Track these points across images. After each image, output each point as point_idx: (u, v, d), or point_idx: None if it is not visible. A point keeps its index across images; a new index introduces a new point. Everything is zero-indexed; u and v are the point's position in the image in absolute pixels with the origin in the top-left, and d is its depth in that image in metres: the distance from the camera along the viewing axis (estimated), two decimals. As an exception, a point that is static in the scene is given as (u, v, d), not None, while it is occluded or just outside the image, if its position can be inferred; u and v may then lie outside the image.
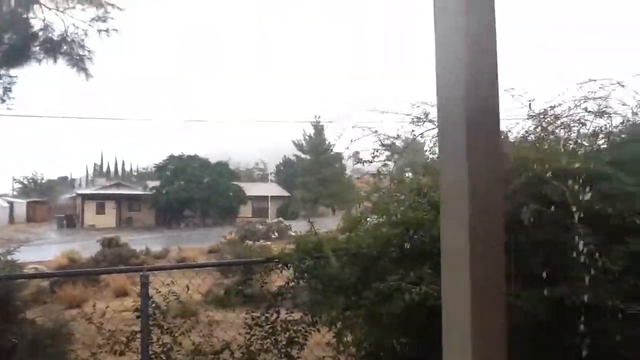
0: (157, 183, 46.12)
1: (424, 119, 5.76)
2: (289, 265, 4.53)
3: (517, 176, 4.48)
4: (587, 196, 4.44)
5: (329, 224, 6.55)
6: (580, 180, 4.51)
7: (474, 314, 1.36)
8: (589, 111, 5.82)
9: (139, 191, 48.53)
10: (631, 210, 4.51)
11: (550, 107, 6.00)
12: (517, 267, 4.27)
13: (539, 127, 5.90)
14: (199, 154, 47.34)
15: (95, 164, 78.25)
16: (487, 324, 1.38)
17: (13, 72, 7.64)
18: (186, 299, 5.36)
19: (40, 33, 6.85)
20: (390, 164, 6.27)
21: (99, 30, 7.44)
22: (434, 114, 5.63)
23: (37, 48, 6.91)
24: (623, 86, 5.55)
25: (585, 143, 5.42)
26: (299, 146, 56.94)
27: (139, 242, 26.24)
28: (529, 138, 5.72)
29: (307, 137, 55.86)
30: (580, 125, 5.89)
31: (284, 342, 4.46)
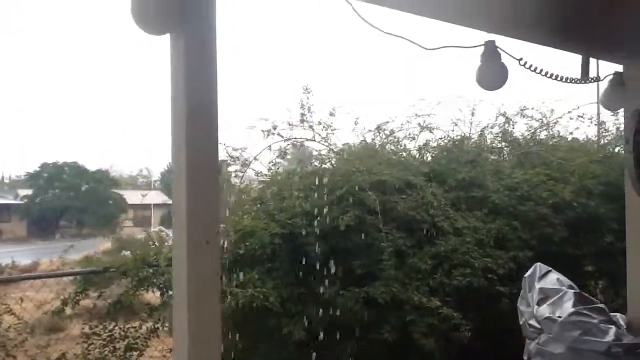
0: (29, 192, 43.42)
1: (273, 132, 6.05)
2: (126, 274, 4.67)
3: (341, 186, 4.93)
4: (401, 205, 4.98)
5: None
6: (396, 190, 5.04)
7: (190, 304, 1.65)
8: (420, 125, 6.46)
9: (8, 200, 45.40)
10: (442, 215, 5.10)
11: (385, 122, 6.59)
12: (342, 268, 4.73)
13: (373, 141, 6.45)
14: (77, 161, 45.19)
15: (-40, 172, 72.10)
16: (203, 314, 1.68)
17: None
18: (31, 313, 5.33)
19: None
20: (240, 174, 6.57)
21: None
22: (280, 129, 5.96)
23: None
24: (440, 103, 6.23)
25: (409, 155, 5.99)
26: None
27: (7, 255, 24.66)
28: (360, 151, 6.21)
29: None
30: (411, 139, 6.50)
31: (122, 350, 4.59)
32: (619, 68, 3.22)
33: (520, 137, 6.63)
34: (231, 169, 5.94)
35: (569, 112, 6.51)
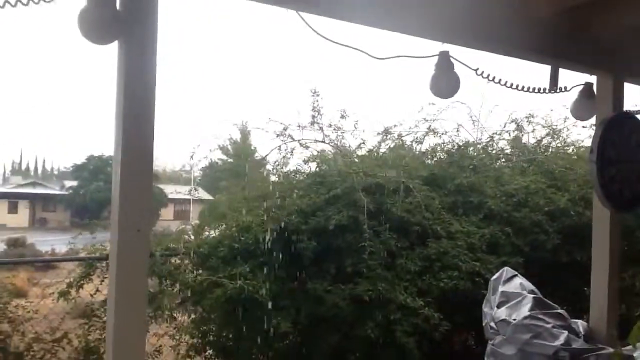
0: (74, 183, 44.87)
1: (283, 133, 6.23)
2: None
3: (337, 187, 5.08)
4: (397, 206, 5.09)
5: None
6: (391, 192, 5.15)
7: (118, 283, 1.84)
8: (428, 129, 6.54)
9: (55, 191, 47.06)
10: (436, 218, 5.19)
11: (394, 125, 6.70)
12: (333, 266, 4.88)
13: (382, 144, 6.56)
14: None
15: (13, 162, 75.18)
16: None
17: None
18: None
19: None
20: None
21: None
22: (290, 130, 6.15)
23: None
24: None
25: (411, 159, 6.08)
26: (224, 150, 56.79)
27: (50, 243, 25.63)
28: (370, 153, 6.34)
29: (232, 141, 55.81)
30: (418, 143, 6.59)
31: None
32: (589, 78, 3.27)
33: (528, 144, 6.64)
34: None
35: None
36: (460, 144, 6.24)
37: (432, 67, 2.72)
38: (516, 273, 3.37)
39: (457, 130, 6.20)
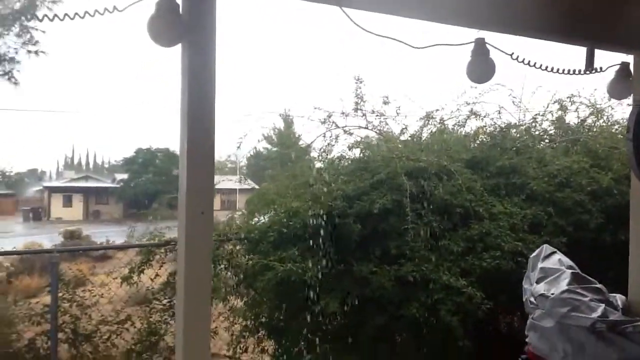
0: (125, 176, 46.21)
1: (327, 120, 6.41)
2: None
3: (380, 172, 5.25)
4: (439, 189, 5.22)
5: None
6: (434, 176, 5.27)
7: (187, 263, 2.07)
8: (471, 112, 6.61)
9: (107, 184, 48.61)
10: (479, 200, 5.30)
11: (435, 110, 6.79)
12: (378, 248, 5.06)
13: (423, 128, 6.67)
14: (169, 147, 47.60)
15: (66, 157, 77.94)
16: (196, 272, 2.09)
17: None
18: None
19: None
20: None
21: (28, 51, 8.63)
22: (334, 118, 6.33)
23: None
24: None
25: (454, 142, 6.17)
26: (268, 139, 57.45)
27: (104, 234, 26.60)
28: (413, 138, 6.47)
29: (276, 130, 56.37)
30: (460, 127, 6.68)
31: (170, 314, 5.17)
32: (626, 58, 3.32)
33: (572, 124, 6.63)
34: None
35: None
36: (502, 126, 6.29)
37: (468, 53, 2.85)
38: (555, 250, 3.48)
39: (499, 113, 6.26)
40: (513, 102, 6.56)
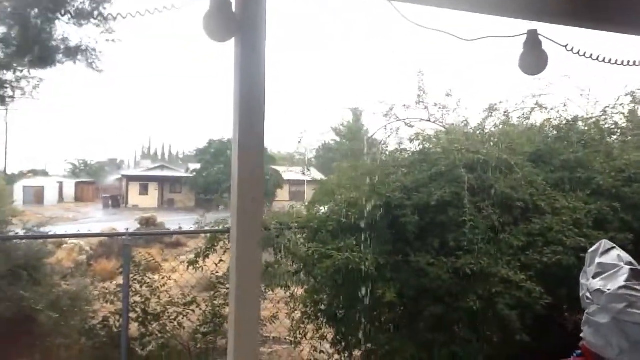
0: (198, 166, 47.61)
1: (389, 114, 6.47)
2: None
3: (439, 164, 5.25)
4: (499, 183, 5.17)
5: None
6: (494, 169, 5.23)
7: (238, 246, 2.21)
8: (536, 104, 6.48)
9: (181, 173, 50.29)
10: (541, 194, 5.22)
11: (499, 102, 6.70)
12: (436, 240, 5.08)
13: (486, 120, 6.60)
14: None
15: (143, 147, 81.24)
16: (247, 254, 2.23)
17: (42, 73, 9.31)
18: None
19: (61, 43, 8.37)
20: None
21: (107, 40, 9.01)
22: (395, 110, 6.38)
23: (60, 55, 8.43)
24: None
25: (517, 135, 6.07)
26: (337, 131, 57.58)
27: (177, 222, 27.63)
28: (478, 130, 6.41)
29: (345, 123, 56.45)
30: (525, 119, 6.56)
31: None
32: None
33: (645, 118, 6.37)
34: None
35: None
36: (569, 118, 6.13)
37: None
38: (614, 245, 3.39)
39: (565, 105, 6.09)
40: (581, 94, 6.37)
